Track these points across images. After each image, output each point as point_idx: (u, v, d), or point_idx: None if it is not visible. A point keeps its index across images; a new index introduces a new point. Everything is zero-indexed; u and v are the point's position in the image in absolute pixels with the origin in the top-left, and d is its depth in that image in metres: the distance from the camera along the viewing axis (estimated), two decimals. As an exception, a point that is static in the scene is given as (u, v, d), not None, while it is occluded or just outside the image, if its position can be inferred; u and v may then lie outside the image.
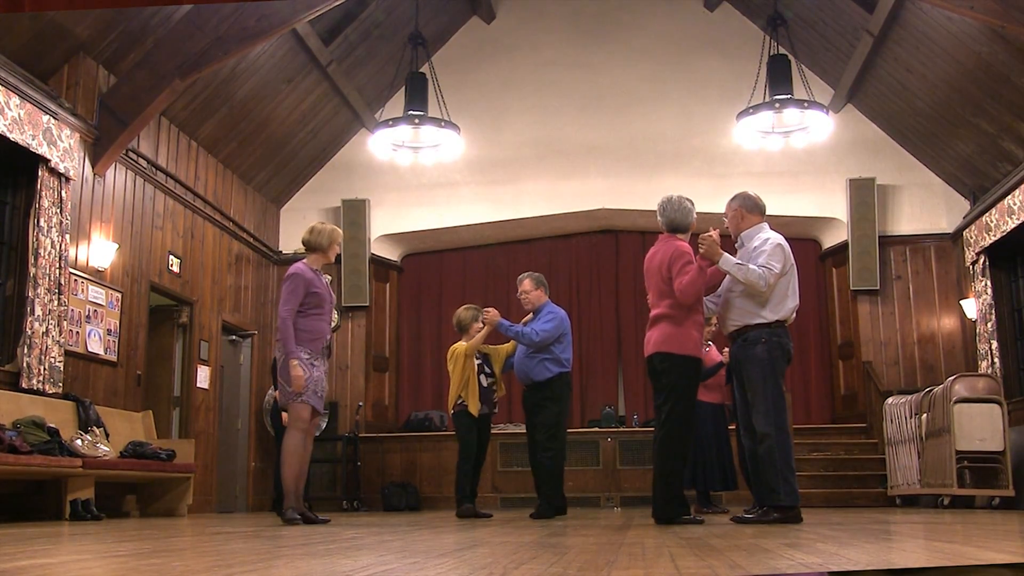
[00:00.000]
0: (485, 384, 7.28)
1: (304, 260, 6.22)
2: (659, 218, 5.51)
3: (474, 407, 7.14)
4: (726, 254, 5.25)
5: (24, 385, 7.11)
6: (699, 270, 5.21)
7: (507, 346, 7.43)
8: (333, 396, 11.44)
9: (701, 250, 5.23)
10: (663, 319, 5.35)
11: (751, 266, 5.24)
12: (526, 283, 7.39)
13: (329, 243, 6.24)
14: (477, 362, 7.27)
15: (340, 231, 6.36)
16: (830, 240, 11.70)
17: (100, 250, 8.22)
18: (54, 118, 7.54)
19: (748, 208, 5.48)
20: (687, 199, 5.51)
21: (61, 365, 7.47)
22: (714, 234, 5.25)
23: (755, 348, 5.23)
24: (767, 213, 5.56)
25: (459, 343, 7.33)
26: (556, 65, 11.86)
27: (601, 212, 11.85)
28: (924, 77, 9.77)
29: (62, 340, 7.50)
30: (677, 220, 5.46)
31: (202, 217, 10.09)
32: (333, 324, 6.30)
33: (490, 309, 7.30)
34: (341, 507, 10.73)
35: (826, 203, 11.40)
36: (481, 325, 7.28)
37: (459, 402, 7.23)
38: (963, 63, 9.09)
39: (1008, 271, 10.29)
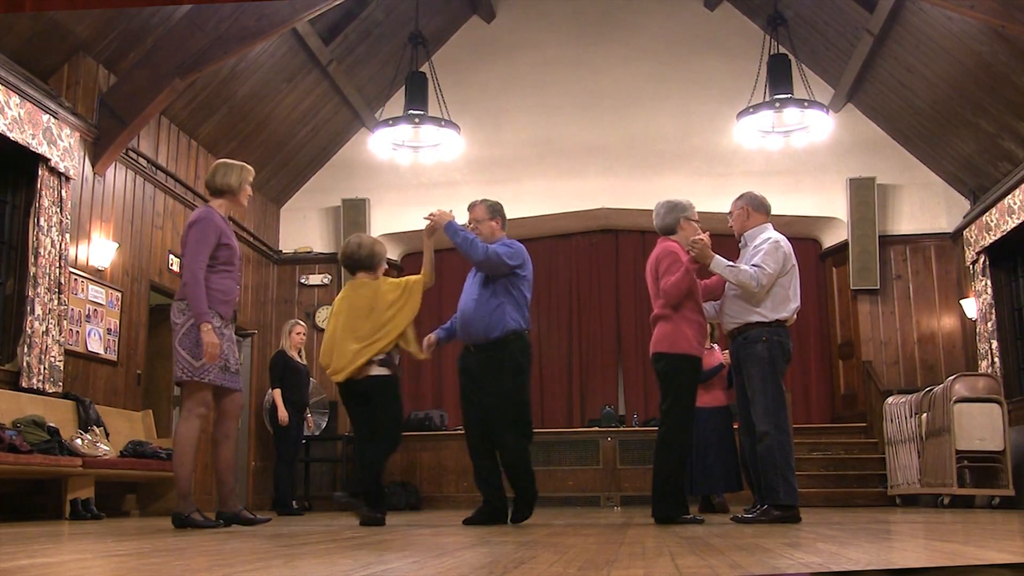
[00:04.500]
0: None
1: (209, 204, 5.20)
2: (654, 221, 5.60)
3: (415, 349, 5.65)
4: (718, 256, 5.28)
5: (24, 384, 7.11)
6: (686, 271, 5.25)
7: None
8: (333, 396, 11.44)
9: (692, 253, 5.26)
10: (659, 319, 5.39)
11: (743, 267, 5.26)
12: (478, 209, 5.62)
13: (240, 183, 5.23)
14: None
15: (251, 169, 5.35)
16: (830, 240, 11.70)
17: (100, 249, 8.22)
18: (54, 117, 7.54)
19: (755, 207, 5.51)
20: (679, 201, 5.57)
21: (61, 364, 7.47)
22: (704, 237, 5.29)
23: (755, 347, 5.26)
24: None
25: (410, 277, 5.85)
26: (556, 64, 11.86)
27: (601, 212, 11.85)
28: (924, 77, 9.77)
29: (62, 339, 7.49)
30: (668, 222, 5.51)
31: (202, 216, 10.07)
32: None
33: (434, 214, 5.58)
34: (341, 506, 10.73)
35: (826, 203, 11.40)
36: None
37: (398, 362, 5.65)
38: (963, 63, 9.09)
39: (1008, 271, 10.29)
